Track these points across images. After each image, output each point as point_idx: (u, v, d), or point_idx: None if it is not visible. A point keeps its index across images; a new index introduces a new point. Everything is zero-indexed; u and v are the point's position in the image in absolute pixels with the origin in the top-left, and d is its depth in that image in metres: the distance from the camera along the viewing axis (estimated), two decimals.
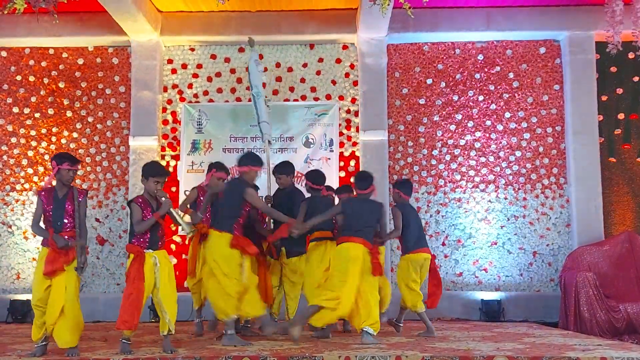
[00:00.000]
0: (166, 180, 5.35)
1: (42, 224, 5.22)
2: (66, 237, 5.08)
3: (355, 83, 9.14)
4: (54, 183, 5.36)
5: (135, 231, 5.15)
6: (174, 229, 8.46)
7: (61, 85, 9.21)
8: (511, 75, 9.08)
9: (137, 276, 5.03)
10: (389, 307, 6.98)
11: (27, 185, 9.02)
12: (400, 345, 5.51)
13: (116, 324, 5.03)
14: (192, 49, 9.30)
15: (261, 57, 9.09)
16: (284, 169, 6.64)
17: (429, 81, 9.12)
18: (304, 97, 9.16)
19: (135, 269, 5.06)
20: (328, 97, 9.14)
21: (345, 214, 5.92)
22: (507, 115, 9.02)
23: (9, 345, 5.79)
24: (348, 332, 6.50)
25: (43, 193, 5.21)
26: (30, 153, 9.09)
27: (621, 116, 8.95)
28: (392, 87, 9.11)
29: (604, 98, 8.97)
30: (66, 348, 5.03)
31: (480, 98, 9.07)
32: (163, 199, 5.19)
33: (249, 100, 8.09)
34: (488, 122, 9.03)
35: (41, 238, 5.24)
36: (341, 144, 9.03)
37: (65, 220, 5.13)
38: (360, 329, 5.62)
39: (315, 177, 6.54)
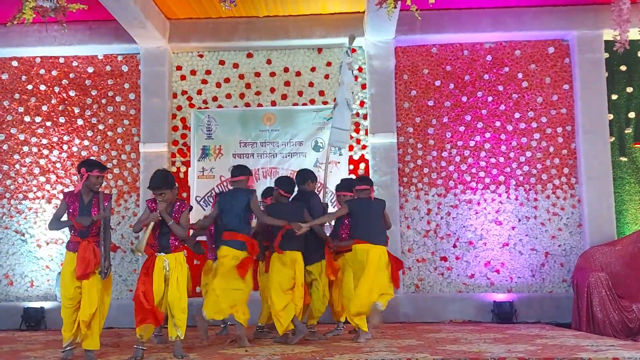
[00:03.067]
0: (163, 191, 5.29)
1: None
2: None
3: (363, 86, 9.15)
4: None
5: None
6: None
7: (72, 93, 9.29)
8: (520, 75, 9.05)
9: (146, 277, 5.21)
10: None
11: (39, 194, 9.09)
12: (411, 347, 5.50)
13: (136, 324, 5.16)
14: (201, 55, 9.35)
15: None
16: (312, 176, 6.62)
17: (438, 83, 9.10)
18: (312, 101, 9.18)
19: (144, 270, 5.26)
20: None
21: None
22: (517, 115, 8.99)
23: (22, 352, 5.84)
24: None
25: (68, 197, 5.35)
26: (42, 161, 9.17)
27: (632, 115, 8.89)
28: (401, 90, 9.11)
29: (614, 97, 8.91)
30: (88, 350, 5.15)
31: (490, 99, 9.04)
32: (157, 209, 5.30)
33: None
34: (497, 123, 8.99)
35: (59, 246, 5.35)
36: (350, 148, 9.02)
37: (90, 226, 5.25)
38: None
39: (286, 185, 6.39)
